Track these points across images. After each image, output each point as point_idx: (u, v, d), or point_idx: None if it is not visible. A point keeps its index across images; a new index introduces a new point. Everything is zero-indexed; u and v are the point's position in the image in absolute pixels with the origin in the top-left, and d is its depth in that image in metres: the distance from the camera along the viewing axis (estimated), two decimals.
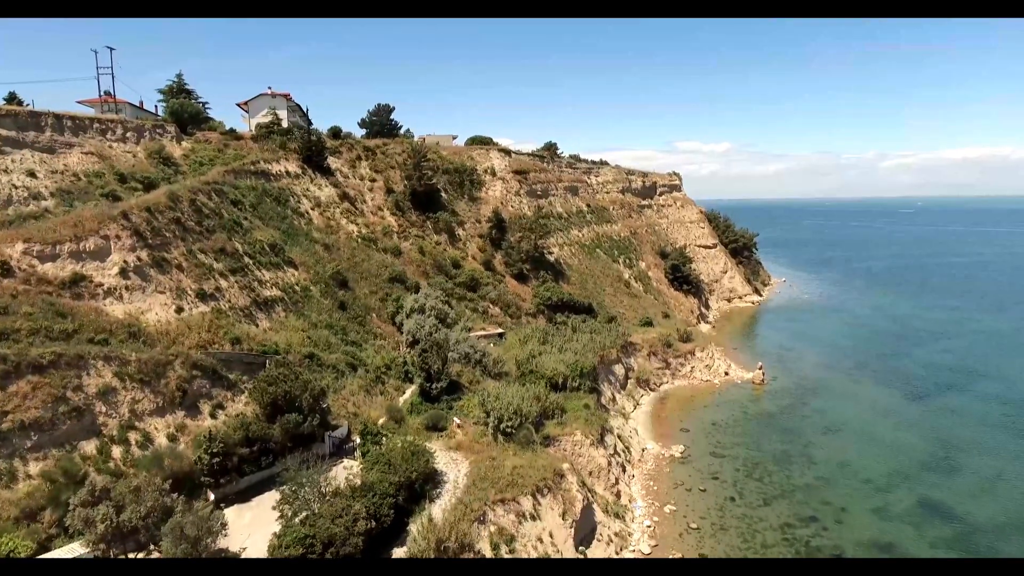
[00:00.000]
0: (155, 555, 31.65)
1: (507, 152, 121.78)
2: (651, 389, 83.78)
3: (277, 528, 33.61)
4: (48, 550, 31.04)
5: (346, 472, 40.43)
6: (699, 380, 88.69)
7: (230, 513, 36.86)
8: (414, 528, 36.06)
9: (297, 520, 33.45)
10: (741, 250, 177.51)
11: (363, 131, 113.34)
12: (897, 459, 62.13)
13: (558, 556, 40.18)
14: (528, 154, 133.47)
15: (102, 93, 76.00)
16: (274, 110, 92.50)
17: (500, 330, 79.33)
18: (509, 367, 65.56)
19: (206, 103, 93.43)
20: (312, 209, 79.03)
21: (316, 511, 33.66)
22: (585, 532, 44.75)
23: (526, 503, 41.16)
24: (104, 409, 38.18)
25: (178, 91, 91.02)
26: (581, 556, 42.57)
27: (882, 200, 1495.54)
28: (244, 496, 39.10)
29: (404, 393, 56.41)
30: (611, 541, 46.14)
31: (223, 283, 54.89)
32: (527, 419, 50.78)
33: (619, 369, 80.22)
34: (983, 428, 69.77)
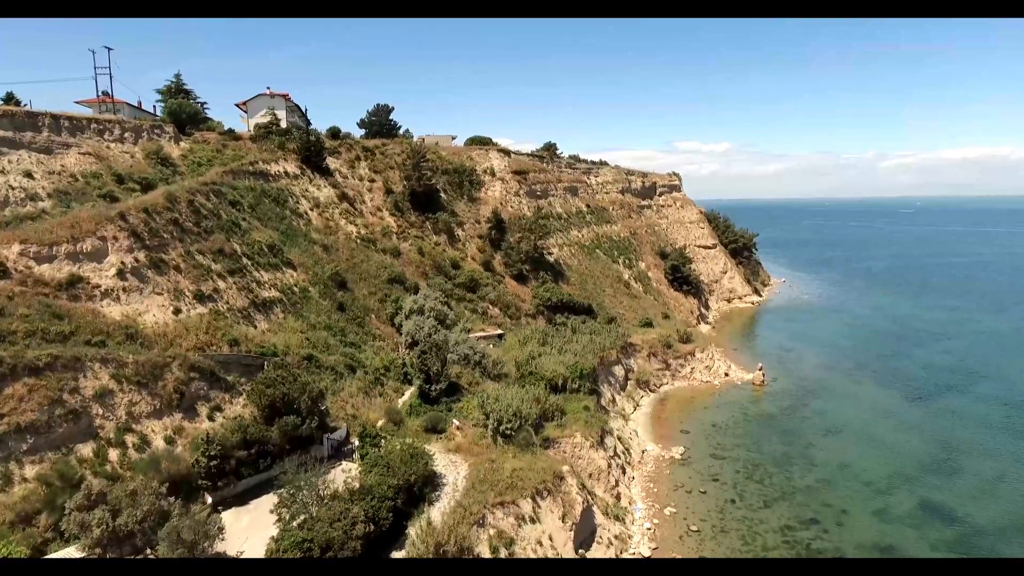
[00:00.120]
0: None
1: (506, 152, 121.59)
2: (651, 390, 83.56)
3: (275, 531, 33.38)
4: (43, 555, 30.81)
5: (344, 475, 40.22)
6: (699, 381, 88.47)
7: (227, 516, 36.66)
8: (413, 531, 35.82)
9: (295, 524, 33.22)
10: (741, 250, 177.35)
11: (362, 131, 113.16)
12: (898, 461, 61.92)
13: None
14: (527, 154, 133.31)
15: (100, 93, 75.74)
16: (273, 110, 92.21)
17: (499, 331, 79.10)
18: (508, 368, 65.33)
19: (204, 103, 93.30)
20: (311, 210, 78.78)
21: (314, 515, 33.42)
22: (585, 535, 44.53)
23: (526, 506, 40.94)
24: (101, 411, 37.92)
25: (176, 91, 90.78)
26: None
27: (882, 200, 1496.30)
28: (242, 499, 38.86)
29: (403, 395, 56.17)
30: (611, 544, 45.91)
31: (221, 284, 54.63)
32: (527, 421, 50.56)
33: (619, 370, 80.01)
34: (984, 429, 69.57)
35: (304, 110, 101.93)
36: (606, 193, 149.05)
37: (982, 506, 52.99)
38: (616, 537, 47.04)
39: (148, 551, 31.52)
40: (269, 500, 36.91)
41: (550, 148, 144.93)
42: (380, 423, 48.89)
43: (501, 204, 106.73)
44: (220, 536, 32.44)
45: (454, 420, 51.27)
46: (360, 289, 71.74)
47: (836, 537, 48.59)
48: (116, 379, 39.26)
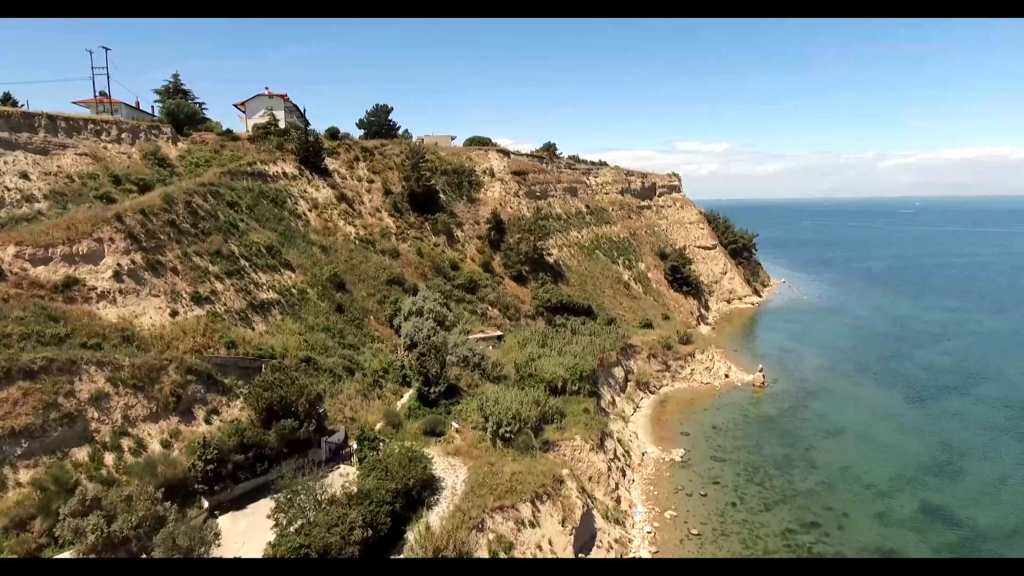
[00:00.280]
0: None
1: (506, 153, 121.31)
2: (651, 392, 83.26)
3: (272, 537, 33.07)
4: None
5: (343, 479, 39.89)
6: (699, 383, 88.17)
7: (224, 521, 36.35)
8: (411, 536, 35.52)
9: (292, 529, 32.91)
10: (740, 251, 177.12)
11: (361, 132, 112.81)
12: (899, 463, 61.62)
13: None
14: (527, 155, 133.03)
15: (97, 93, 75.34)
16: (271, 111, 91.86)
17: (499, 332, 78.79)
18: (508, 370, 65.02)
19: (203, 103, 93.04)
20: (309, 211, 78.43)
21: (311, 519, 33.12)
22: (585, 539, 44.21)
23: (525, 510, 40.62)
24: (96, 415, 37.55)
25: (174, 91, 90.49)
26: None
27: (881, 200, 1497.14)
28: (239, 503, 38.53)
29: (402, 397, 55.83)
30: (611, 548, 45.59)
31: (219, 286, 54.27)
32: (526, 424, 50.22)
33: (619, 372, 79.71)
34: (985, 431, 69.30)
35: (303, 110, 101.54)
36: (605, 194, 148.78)
37: (984, 509, 52.71)
38: (616, 541, 46.72)
39: (143, 557, 31.17)
40: (267, 504, 36.52)
41: (549, 148, 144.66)
42: (379, 426, 48.56)
43: (500, 205, 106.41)
44: (216, 542, 32.12)
45: (453, 423, 50.96)
46: (359, 290, 71.40)
47: (837, 541, 48.29)
48: (112, 382, 38.90)
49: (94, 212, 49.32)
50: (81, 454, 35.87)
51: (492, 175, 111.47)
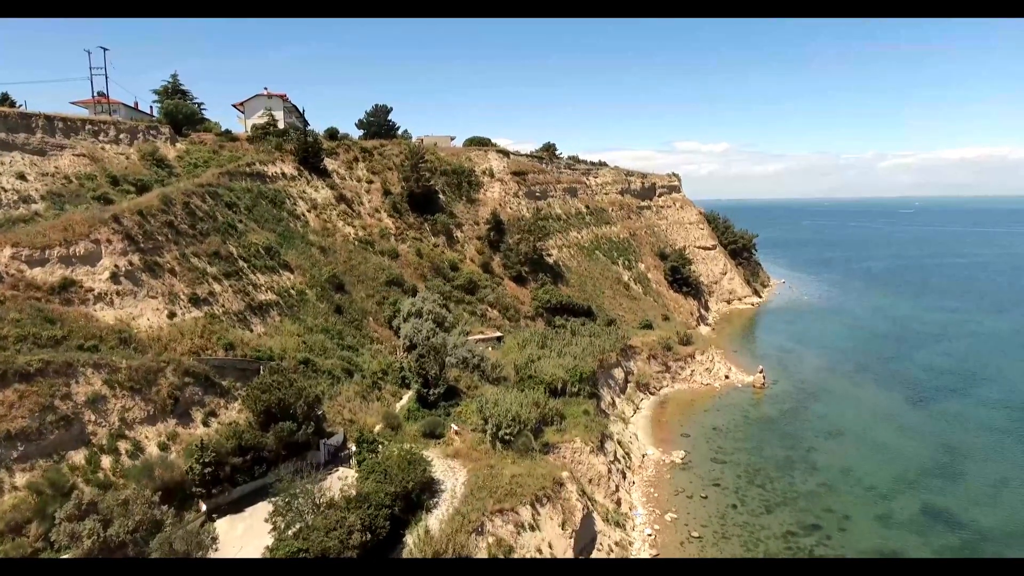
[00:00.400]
0: None
1: (505, 153, 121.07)
2: (651, 393, 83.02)
3: (270, 540, 32.81)
4: None
5: (341, 482, 39.61)
6: (699, 384, 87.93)
7: (222, 524, 36.10)
8: (410, 540, 35.30)
9: (290, 533, 32.63)
10: (740, 251, 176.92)
11: (360, 132, 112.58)
12: (900, 464, 61.41)
13: None
14: (527, 155, 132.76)
15: (95, 94, 75.09)
16: (270, 111, 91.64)
17: (498, 333, 78.57)
18: (508, 372, 64.78)
19: (201, 104, 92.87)
20: (308, 211, 78.17)
21: (309, 523, 32.83)
22: (585, 542, 43.96)
23: (525, 513, 40.36)
24: (93, 418, 37.27)
25: (173, 92, 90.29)
26: None
27: (881, 200, 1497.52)
28: (237, 506, 38.24)
29: (401, 399, 55.56)
30: (611, 551, 45.35)
31: (217, 287, 54.00)
32: (526, 426, 49.94)
33: (619, 373, 79.48)
34: (986, 433, 69.10)
35: (302, 111, 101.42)
36: (605, 194, 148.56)
37: (986, 511, 52.50)
38: (616, 544, 46.48)
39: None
40: (265, 507, 36.19)
41: (549, 149, 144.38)
42: (377, 428, 48.30)
43: (500, 205, 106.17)
44: (213, 546, 31.87)
45: (452, 425, 50.72)
46: (358, 291, 71.14)
47: (839, 543, 48.06)
48: (109, 384, 38.63)
49: (91, 213, 49.04)
50: (78, 457, 35.57)
51: (492, 175, 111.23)
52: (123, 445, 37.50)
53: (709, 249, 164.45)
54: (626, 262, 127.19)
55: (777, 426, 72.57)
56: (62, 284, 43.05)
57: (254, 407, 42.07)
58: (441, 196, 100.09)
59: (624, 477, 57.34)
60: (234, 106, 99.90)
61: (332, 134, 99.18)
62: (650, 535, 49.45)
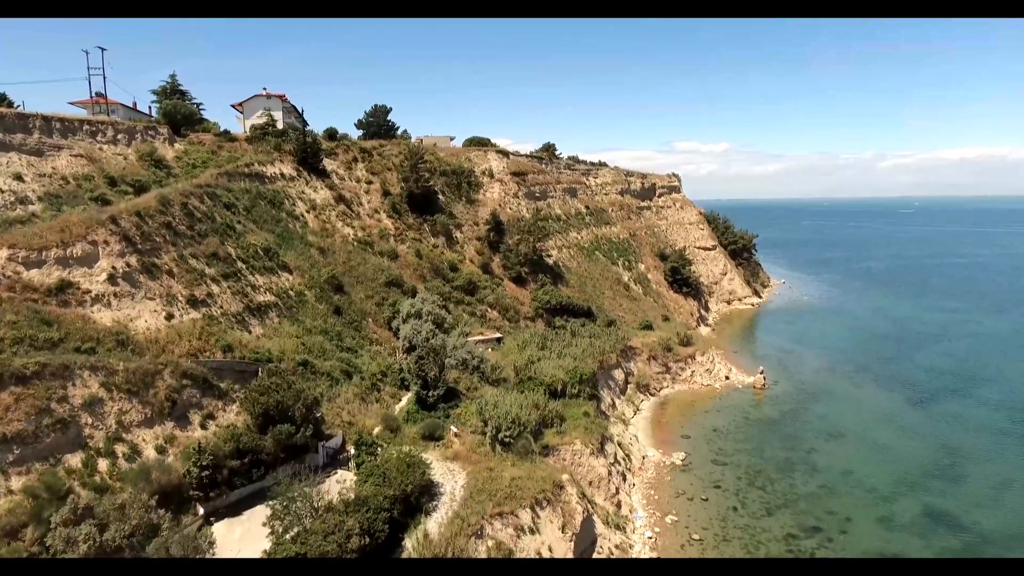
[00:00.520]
0: None
1: (505, 153, 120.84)
2: (651, 394, 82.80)
3: (268, 544, 32.57)
4: None
5: (340, 485, 39.37)
6: (700, 385, 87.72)
7: (220, 528, 35.85)
8: (409, 544, 35.09)
9: (288, 537, 32.40)
10: (740, 251, 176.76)
11: (359, 132, 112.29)
12: (901, 466, 61.22)
13: None
14: (526, 155, 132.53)
15: (93, 94, 74.79)
16: (269, 111, 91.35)
17: (498, 334, 78.32)
18: (507, 373, 64.55)
19: (200, 104, 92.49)
20: (307, 212, 77.89)
21: (308, 527, 32.61)
22: (585, 545, 43.74)
23: (525, 516, 40.13)
24: (90, 421, 36.99)
25: (172, 92, 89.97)
26: None
27: (880, 200, 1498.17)
28: (235, 510, 37.96)
29: (400, 401, 55.32)
30: (612, 554, 45.14)
31: (215, 289, 53.72)
32: (526, 428, 49.72)
33: (619, 374, 79.25)
34: (987, 434, 68.92)
35: (301, 111, 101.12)
36: (605, 194, 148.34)
37: (988, 513, 52.32)
38: (617, 547, 46.27)
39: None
40: (263, 511, 35.94)
41: (549, 149, 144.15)
42: (376, 430, 48.06)
43: (500, 206, 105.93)
44: (211, 550, 31.62)
45: (452, 427, 50.47)
46: (357, 292, 70.87)
47: (840, 545, 47.87)
48: (106, 387, 38.35)
49: (89, 214, 48.71)
50: (74, 460, 35.28)
51: (491, 176, 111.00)
52: (120, 448, 37.22)
53: (709, 249, 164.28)
54: (626, 263, 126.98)
55: (778, 427, 72.36)
56: (59, 286, 42.72)
57: (252, 409, 41.80)
58: (441, 197, 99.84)
59: (624, 479, 57.11)
60: (233, 106, 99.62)
61: (331, 134, 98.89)
62: (651, 538, 49.23)
